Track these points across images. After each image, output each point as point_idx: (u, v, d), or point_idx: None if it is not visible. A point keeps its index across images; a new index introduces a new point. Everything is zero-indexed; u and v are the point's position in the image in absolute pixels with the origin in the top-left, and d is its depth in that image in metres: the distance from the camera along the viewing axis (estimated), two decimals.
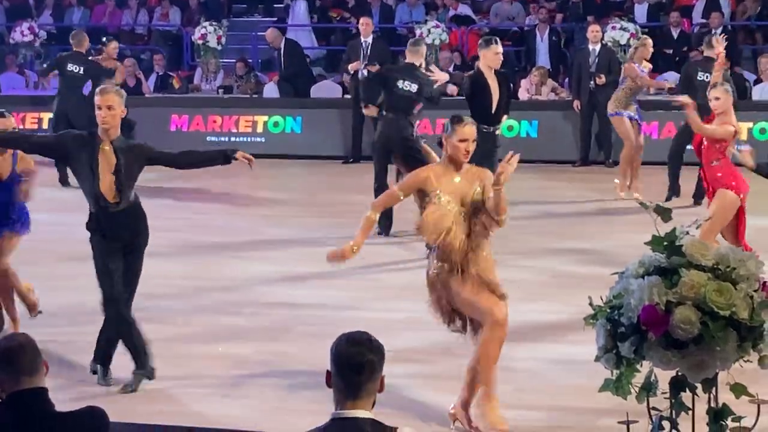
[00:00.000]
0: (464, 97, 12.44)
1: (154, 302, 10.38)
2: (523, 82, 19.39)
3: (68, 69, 17.15)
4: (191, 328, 9.70)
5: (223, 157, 8.22)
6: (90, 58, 17.58)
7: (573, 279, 10.79)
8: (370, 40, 18.67)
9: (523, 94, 19.15)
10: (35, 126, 20.44)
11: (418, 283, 11.12)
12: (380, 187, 12.74)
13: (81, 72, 17.15)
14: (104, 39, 18.09)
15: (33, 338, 4.81)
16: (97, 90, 8.19)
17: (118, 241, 8.10)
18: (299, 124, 19.71)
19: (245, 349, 9.05)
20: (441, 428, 7.30)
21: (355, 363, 4.39)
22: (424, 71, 13.25)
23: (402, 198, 7.49)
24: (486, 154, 10.71)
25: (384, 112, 13.10)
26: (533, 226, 13.24)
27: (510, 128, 17.69)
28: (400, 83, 12.94)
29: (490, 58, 11.99)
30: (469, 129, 7.31)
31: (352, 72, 18.62)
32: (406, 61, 13.42)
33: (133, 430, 7.13)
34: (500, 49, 12.14)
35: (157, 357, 8.80)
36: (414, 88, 12.92)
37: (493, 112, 11.95)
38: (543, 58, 20.64)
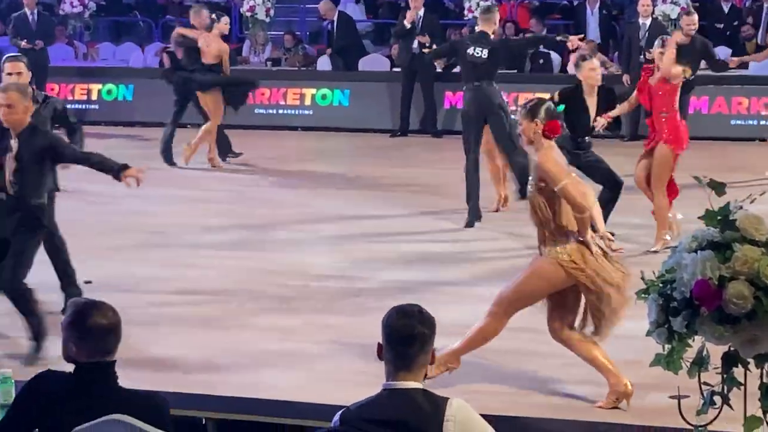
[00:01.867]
0: None
1: (201, 273, 10.44)
2: (573, 56, 19.24)
3: None
4: (238, 300, 9.72)
5: (116, 171, 8.30)
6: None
7: (623, 253, 10.72)
8: (421, 13, 18.65)
9: (572, 68, 18.98)
10: (84, 97, 20.53)
11: (464, 257, 11.15)
12: (475, 158, 12.54)
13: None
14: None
15: (118, 315, 4.78)
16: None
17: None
18: (347, 97, 19.69)
19: (293, 320, 9.07)
20: (489, 400, 7.27)
21: (406, 335, 4.39)
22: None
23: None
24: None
25: (466, 84, 12.97)
26: None
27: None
28: (470, 50, 12.84)
29: (586, 76, 11.59)
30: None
31: (408, 24, 18.47)
32: (479, 29, 13.31)
33: (179, 399, 7.13)
34: (595, 64, 11.56)
35: (204, 328, 8.87)
36: (485, 53, 12.78)
37: (587, 127, 11.55)
38: (593, 31, 20.48)
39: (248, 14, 21.32)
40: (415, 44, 18.49)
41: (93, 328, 4.71)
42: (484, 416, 4.47)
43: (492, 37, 13.10)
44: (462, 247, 11.49)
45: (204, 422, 6.27)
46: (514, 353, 8.13)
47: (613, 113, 11.31)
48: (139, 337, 8.21)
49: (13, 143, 8.28)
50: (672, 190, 11.19)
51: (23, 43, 18.34)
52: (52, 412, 4.65)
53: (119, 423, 4.44)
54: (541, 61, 19.70)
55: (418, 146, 17.67)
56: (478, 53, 12.77)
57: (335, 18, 20.34)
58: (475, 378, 7.68)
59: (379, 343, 4.46)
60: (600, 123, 11.19)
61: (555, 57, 19.86)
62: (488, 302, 9.49)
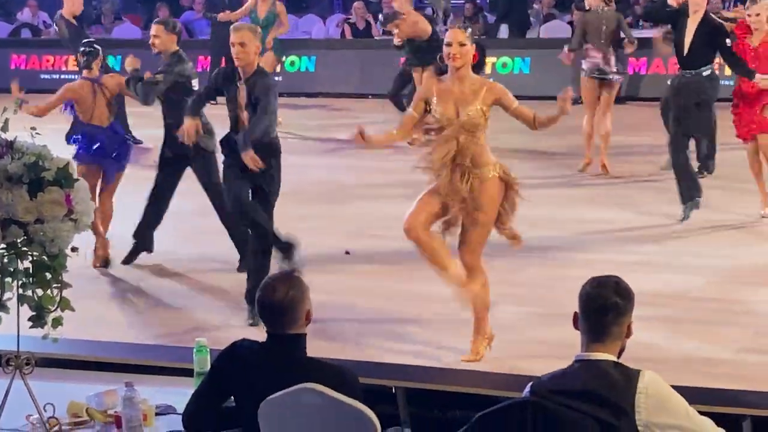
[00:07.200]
0: None
1: (383, 242, 10.50)
2: None
3: None
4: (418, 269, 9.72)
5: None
6: None
7: None
8: None
9: None
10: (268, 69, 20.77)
11: (651, 225, 10.96)
12: None
13: None
14: None
15: (299, 290, 4.81)
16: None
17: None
18: (528, 64, 19.56)
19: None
20: (677, 370, 7.18)
21: (600, 305, 4.39)
22: None
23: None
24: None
25: None
26: None
27: None
28: None
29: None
30: (451, 32, 7.67)
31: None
32: None
33: (370, 369, 7.16)
34: None
35: (386, 299, 8.87)
36: None
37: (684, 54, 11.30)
38: None
39: None
40: None
41: (259, 304, 4.85)
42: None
43: None
44: (649, 219, 11.33)
45: (394, 391, 6.31)
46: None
47: None
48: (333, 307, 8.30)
49: (241, 86, 8.29)
50: None
51: (220, 16, 18.46)
52: (246, 379, 4.78)
53: (312, 391, 4.51)
54: None
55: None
56: None
57: None
58: (661, 350, 7.56)
59: (575, 313, 4.45)
60: None
61: None
62: (676, 272, 9.41)
